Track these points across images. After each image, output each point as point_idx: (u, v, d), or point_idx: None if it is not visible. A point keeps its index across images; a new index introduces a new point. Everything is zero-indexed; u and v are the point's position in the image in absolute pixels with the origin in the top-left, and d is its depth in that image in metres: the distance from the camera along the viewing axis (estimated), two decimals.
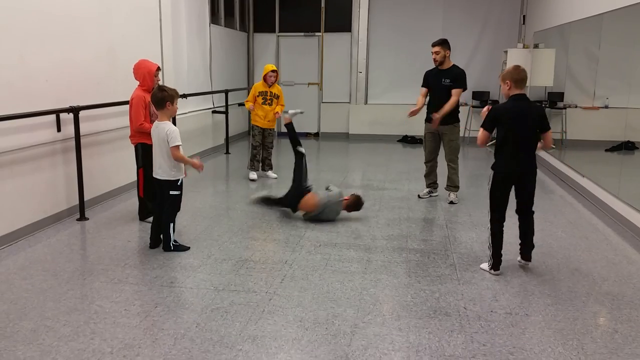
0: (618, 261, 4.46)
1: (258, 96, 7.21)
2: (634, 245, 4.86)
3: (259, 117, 7.28)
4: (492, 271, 4.10)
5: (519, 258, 4.30)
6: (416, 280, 3.99)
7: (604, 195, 5.98)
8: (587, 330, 3.27)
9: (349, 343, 3.08)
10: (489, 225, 4.13)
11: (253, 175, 7.38)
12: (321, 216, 5.35)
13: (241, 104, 10.55)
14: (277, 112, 7.28)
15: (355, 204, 5.51)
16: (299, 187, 5.51)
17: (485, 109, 4.16)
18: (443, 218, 5.67)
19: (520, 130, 3.97)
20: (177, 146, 4.33)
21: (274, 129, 7.54)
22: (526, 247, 4.24)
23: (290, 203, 5.52)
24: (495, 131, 4.09)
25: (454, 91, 6.05)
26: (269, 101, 7.23)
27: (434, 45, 6.11)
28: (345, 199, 5.46)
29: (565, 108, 7.94)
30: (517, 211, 4.21)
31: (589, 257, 4.53)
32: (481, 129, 4.06)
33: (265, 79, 7.18)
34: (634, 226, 5.16)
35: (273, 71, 7.17)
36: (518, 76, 3.94)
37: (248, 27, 11.85)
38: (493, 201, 4.10)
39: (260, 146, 7.40)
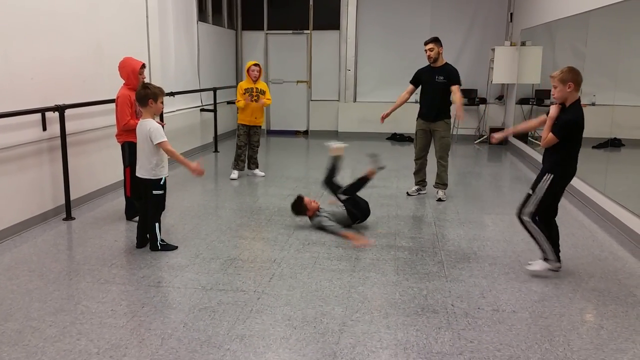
0: (604, 257, 4.49)
1: (244, 94, 7.12)
2: (620, 242, 4.91)
3: (245, 116, 7.21)
4: (557, 264, 4.05)
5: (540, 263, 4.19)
6: (404, 278, 3.99)
7: (591, 192, 6.03)
8: (574, 327, 3.29)
9: (337, 341, 3.08)
10: (533, 223, 3.97)
11: (234, 174, 7.32)
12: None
13: (230, 102, 10.53)
14: (263, 101, 7.19)
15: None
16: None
17: (556, 108, 3.92)
18: (431, 215, 5.68)
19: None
20: (164, 142, 4.29)
21: (260, 126, 7.42)
22: (557, 250, 4.14)
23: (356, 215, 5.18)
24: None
25: (455, 87, 6.10)
26: (256, 97, 7.14)
27: (427, 42, 6.14)
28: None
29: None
30: (553, 216, 4.14)
31: (576, 253, 4.57)
32: (554, 137, 3.83)
33: (249, 74, 7.11)
34: (620, 222, 5.21)
35: (255, 65, 7.12)
36: (580, 78, 3.80)
37: (236, 24, 11.80)
38: (545, 204, 3.97)
39: (245, 146, 7.33)
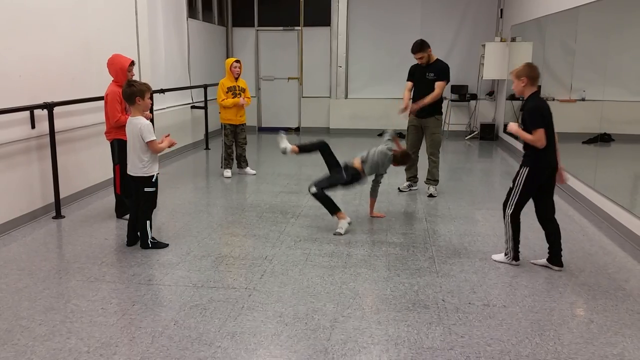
0: (594, 252, 4.52)
1: (227, 92, 7.05)
2: (609, 236, 4.94)
3: (230, 115, 7.13)
4: (514, 262, 4.18)
5: (542, 261, 4.20)
6: (395, 274, 4.00)
7: (581, 186, 6.07)
8: (564, 321, 3.31)
9: (329, 337, 3.08)
10: (510, 220, 4.10)
11: (228, 172, 7.27)
12: (372, 172, 5.31)
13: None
14: (247, 98, 7.15)
15: (403, 158, 5.45)
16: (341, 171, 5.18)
17: (515, 126, 4.06)
18: (422, 211, 5.70)
19: (552, 126, 3.99)
20: (153, 141, 4.28)
21: (245, 123, 7.35)
22: (559, 250, 4.14)
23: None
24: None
25: (438, 84, 6.09)
26: (238, 96, 7.09)
27: (415, 52, 6.06)
28: (395, 151, 5.38)
29: None
30: (542, 218, 4.14)
31: (566, 248, 4.57)
32: (540, 130, 3.86)
33: (231, 71, 7.04)
34: (609, 217, 5.24)
35: (237, 61, 7.08)
36: (534, 73, 3.98)
37: (226, 21, 11.75)
38: (525, 197, 4.05)
39: (233, 144, 7.30)
